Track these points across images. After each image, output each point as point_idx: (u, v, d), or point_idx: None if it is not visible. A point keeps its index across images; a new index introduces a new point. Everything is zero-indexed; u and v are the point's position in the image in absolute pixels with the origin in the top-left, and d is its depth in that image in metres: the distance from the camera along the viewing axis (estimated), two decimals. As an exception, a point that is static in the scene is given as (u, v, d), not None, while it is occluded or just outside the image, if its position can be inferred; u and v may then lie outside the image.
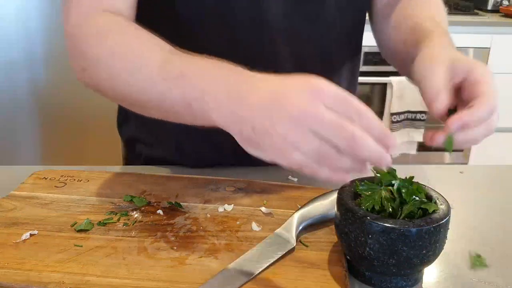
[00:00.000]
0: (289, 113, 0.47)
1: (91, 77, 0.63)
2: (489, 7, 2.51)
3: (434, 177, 0.83)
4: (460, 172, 0.84)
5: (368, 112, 0.48)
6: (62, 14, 0.67)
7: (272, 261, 0.56)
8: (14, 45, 2.30)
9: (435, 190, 0.57)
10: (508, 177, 0.84)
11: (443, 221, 0.51)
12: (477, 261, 0.56)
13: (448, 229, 0.53)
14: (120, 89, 0.60)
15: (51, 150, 2.49)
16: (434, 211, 0.53)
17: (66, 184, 0.74)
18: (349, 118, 0.47)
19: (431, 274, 0.57)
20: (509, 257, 0.60)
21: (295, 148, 0.47)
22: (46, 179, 0.75)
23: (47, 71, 2.34)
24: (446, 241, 0.53)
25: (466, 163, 2.49)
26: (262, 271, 0.54)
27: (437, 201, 0.55)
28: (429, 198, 0.55)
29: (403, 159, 2.46)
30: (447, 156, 2.53)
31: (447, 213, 0.53)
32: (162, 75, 0.56)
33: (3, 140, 2.45)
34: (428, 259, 0.52)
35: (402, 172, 0.58)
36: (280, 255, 0.57)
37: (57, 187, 0.73)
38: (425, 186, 0.57)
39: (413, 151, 2.41)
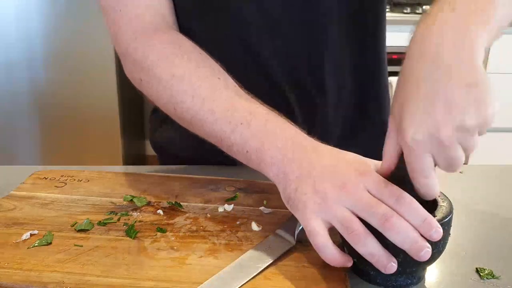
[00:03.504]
0: (332, 184, 0.51)
1: (148, 87, 0.67)
2: (489, 7, 2.51)
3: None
4: (460, 172, 0.84)
5: (408, 199, 0.49)
6: (111, 35, 0.71)
7: (272, 261, 0.56)
8: (14, 45, 2.30)
9: None
10: (508, 177, 0.84)
11: (447, 219, 0.51)
12: (487, 275, 0.56)
13: (451, 226, 0.53)
14: (179, 110, 0.64)
15: (51, 150, 2.49)
16: (437, 209, 0.53)
17: (66, 184, 0.74)
18: (387, 203, 0.49)
19: (433, 273, 0.57)
20: (509, 256, 0.60)
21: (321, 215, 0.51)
22: (46, 179, 0.75)
23: (47, 71, 2.34)
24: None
25: (466, 163, 2.49)
26: (262, 271, 0.54)
27: (439, 199, 0.55)
28: None
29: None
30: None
31: (450, 210, 0.53)
32: (228, 118, 0.60)
33: (3, 140, 2.45)
34: (432, 257, 0.52)
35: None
36: (280, 255, 0.57)
37: (57, 187, 0.73)
38: None
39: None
